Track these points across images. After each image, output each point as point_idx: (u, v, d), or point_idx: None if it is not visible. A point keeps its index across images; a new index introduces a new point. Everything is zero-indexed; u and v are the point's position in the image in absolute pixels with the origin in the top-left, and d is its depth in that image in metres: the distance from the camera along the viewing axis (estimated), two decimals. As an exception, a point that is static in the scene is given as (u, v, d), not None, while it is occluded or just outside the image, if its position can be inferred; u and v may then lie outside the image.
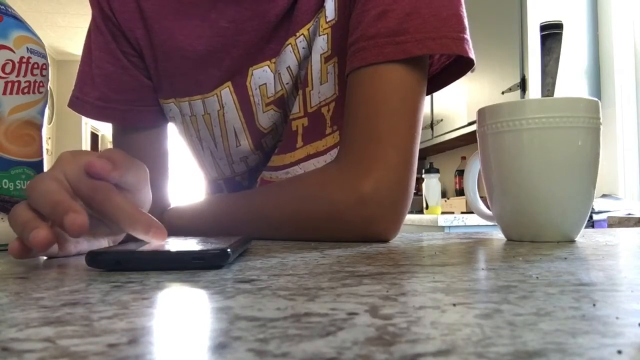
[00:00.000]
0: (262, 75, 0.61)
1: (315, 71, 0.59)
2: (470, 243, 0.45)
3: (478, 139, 0.50)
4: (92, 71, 0.64)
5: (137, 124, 0.67)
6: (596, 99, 0.46)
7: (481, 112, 0.49)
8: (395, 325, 0.15)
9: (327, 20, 0.57)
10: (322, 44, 0.58)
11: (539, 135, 0.44)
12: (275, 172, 0.64)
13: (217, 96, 0.62)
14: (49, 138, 5.33)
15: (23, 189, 0.51)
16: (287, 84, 0.61)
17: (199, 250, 0.30)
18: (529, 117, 0.44)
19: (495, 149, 0.47)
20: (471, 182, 0.55)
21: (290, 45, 0.59)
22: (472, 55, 0.53)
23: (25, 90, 0.51)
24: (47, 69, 0.53)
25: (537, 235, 0.46)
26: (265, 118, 0.62)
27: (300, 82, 0.60)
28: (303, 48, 0.59)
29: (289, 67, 0.59)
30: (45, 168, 0.54)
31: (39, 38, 0.53)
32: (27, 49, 0.51)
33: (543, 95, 0.48)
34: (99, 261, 0.29)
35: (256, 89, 0.61)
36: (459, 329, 0.15)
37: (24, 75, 0.50)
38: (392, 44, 0.50)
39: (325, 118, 0.61)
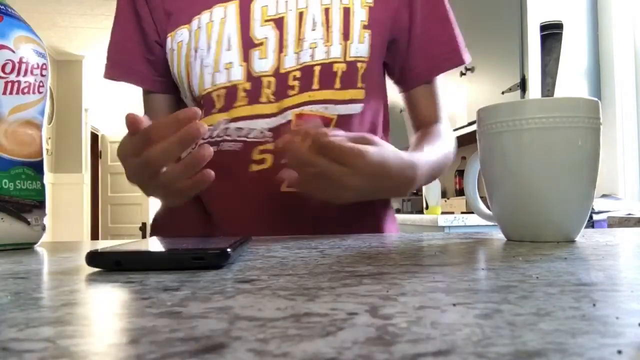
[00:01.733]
0: (265, 1, 0.70)
1: (356, 31, 0.70)
2: (470, 243, 0.45)
3: (478, 139, 0.50)
4: (120, 42, 0.78)
5: (161, 91, 0.79)
6: (596, 99, 0.46)
7: (481, 112, 0.49)
8: (395, 325, 0.15)
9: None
10: (361, 14, 0.71)
11: (539, 135, 0.44)
12: (315, 105, 0.71)
13: (224, 8, 0.71)
14: (49, 138, 5.33)
15: (23, 189, 0.51)
16: (290, 10, 0.70)
17: (199, 251, 0.30)
18: (529, 117, 0.44)
19: (495, 149, 0.47)
20: (471, 182, 0.55)
21: None
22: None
23: (25, 90, 0.51)
24: (47, 69, 0.53)
25: (537, 235, 0.46)
26: (260, 31, 0.70)
27: (321, 21, 0.70)
28: None
29: None
30: (45, 168, 0.54)
31: (39, 38, 0.53)
32: (27, 49, 0.51)
33: (543, 95, 0.48)
34: (99, 261, 0.29)
35: (258, 9, 0.70)
36: (459, 329, 0.15)
37: (24, 75, 0.50)
38: None
39: (358, 72, 0.71)
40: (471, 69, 2.52)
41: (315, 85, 0.69)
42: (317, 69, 0.70)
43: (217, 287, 0.23)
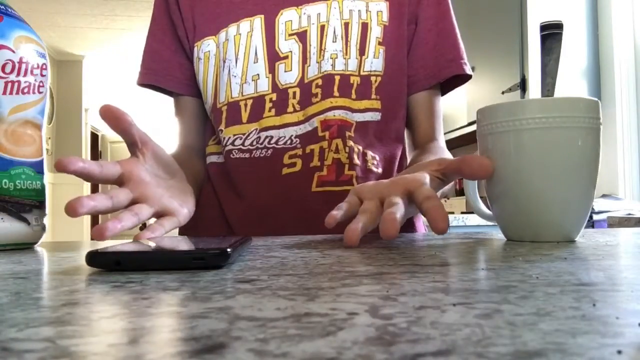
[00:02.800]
0: (289, 15, 0.75)
1: (372, 47, 0.75)
2: (470, 243, 0.45)
3: (478, 139, 0.50)
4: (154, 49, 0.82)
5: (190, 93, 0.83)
6: (596, 99, 0.46)
7: (481, 112, 0.49)
8: (395, 325, 0.15)
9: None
10: (377, 31, 0.75)
11: (539, 135, 0.44)
12: (332, 111, 0.74)
13: (250, 22, 0.75)
14: (49, 138, 5.33)
15: (23, 189, 0.51)
16: (313, 24, 0.74)
17: (199, 251, 0.30)
18: (529, 117, 0.44)
19: (495, 149, 0.47)
20: (471, 182, 0.55)
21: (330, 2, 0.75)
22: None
23: (25, 90, 0.51)
24: (47, 69, 0.53)
25: (537, 235, 0.46)
26: (285, 44, 0.74)
27: (341, 35, 0.75)
28: (350, 10, 0.74)
29: (319, 13, 0.74)
30: (45, 168, 0.54)
31: (39, 38, 0.53)
32: (27, 49, 0.51)
33: (543, 95, 0.48)
34: (98, 261, 0.29)
35: (282, 23, 0.75)
36: (459, 329, 0.15)
37: (24, 75, 0.50)
38: None
39: (372, 85, 0.75)
40: (471, 69, 2.52)
41: (336, 93, 0.74)
42: (337, 78, 0.74)
43: (217, 287, 0.23)
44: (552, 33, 0.49)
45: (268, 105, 0.74)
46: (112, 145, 6.36)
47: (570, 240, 0.46)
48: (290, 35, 0.74)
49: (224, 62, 0.76)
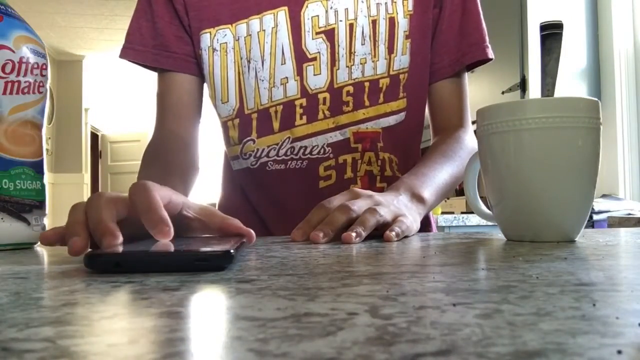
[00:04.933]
0: (315, 9, 0.72)
1: (399, 43, 0.73)
2: (470, 243, 0.45)
3: (478, 139, 0.50)
4: (145, 24, 0.75)
5: (182, 70, 0.76)
6: (596, 99, 0.46)
7: (481, 112, 0.49)
8: (395, 325, 0.15)
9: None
10: (403, 24, 0.73)
11: (539, 135, 0.44)
12: (365, 123, 0.74)
13: (274, 15, 0.72)
14: (49, 138, 5.33)
15: (23, 189, 0.51)
16: (340, 21, 0.72)
17: (202, 252, 0.29)
18: (529, 117, 0.44)
19: (495, 149, 0.47)
20: (471, 182, 0.55)
21: None
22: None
23: (25, 90, 0.51)
24: (47, 69, 0.53)
25: (537, 235, 0.46)
26: (312, 44, 0.72)
27: (370, 33, 0.73)
28: (377, 3, 0.73)
29: (346, 9, 0.72)
30: (45, 168, 0.54)
31: (39, 38, 0.53)
32: (27, 49, 0.51)
33: (543, 95, 0.48)
34: (97, 263, 0.29)
35: (308, 18, 0.72)
36: (459, 329, 0.15)
37: (24, 75, 0.50)
38: None
39: (400, 83, 0.74)
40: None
41: (366, 102, 0.73)
42: (366, 85, 0.73)
43: (217, 287, 0.23)
44: (552, 33, 0.49)
45: (299, 111, 0.73)
46: (112, 145, 6.36)
47: (570, 240, 0.46)
48: (317, 33, 0.72)
49: (249, 62, 0.73)
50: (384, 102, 0.74)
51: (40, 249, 0.50)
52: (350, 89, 0.72)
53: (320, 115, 0.73)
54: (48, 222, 0.54)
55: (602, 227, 1.77)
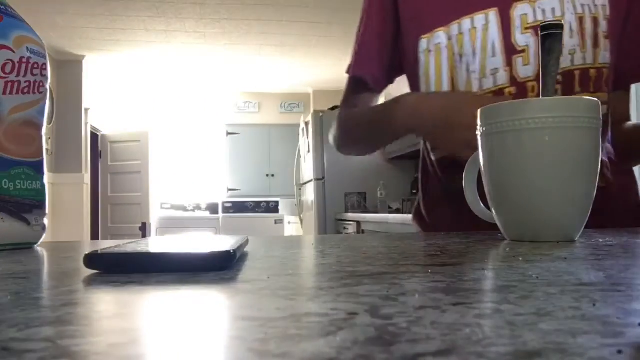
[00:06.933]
0: (523, 8, 0.76)
1: (602, 39, 0.76)
2: (470, 243, 0.45)
3: (478, 138, 0.50)
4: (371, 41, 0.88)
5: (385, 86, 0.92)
6: (596, 99, 0.46)
7: (481, 112, 0.49)
8: (395, 325, 0.15)
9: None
10: (603, 25, 0.76)
11: (539, 135, 0.44)
12: None
13: (485, 15, 0.77)
14: (49, 138, 5.33)
15: (23, 189, 0.51)
16: (548, 18, 0.75)
17: (202, 252, 0.29)
18: (529, 117, 0.44)
19: (495, 149, 0.47)
20: (471, 182, 0.55)
21: None
22: None
23: (25, 90, 0.51)
24: (47, 69, 0.53)
25: (537, 235, 0.46)
26: (521, 38, 0.76)
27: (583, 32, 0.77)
28: (582, 4, 0.76)
29: (553, 8, 0.76)
30: (45, 168, 0.54)
31: (39, 38, 0.53)
32: (27, 49, 0.51)
33: (543, 95, 0.48)
34: (97, 263, 0.29)
35: (517, 16, 0.76)
36: (459, 329, 0.15)
37: (24, 75, 0.50)
38: None
39: (603, 77, 0.77)
40: None
41: (577, 88, 0.76)
42: (577, 73, 0.75)
43: (217, 287, 0.23)
44: (552, 33, 0.49)
45: (508, 98, 0.75)
46: (112, 145, 6.35)
47: (570, 240, 0.46)
48: (526, 29, 0.76)
49: (461, 57, 0.78)
50: (594, 91, 0.76)
51: (40, 249, 0.50)
52: (559, 77, 0.74)
53: None
54: (48, 222, 0.54)
55: (602, 227, 1.77)
